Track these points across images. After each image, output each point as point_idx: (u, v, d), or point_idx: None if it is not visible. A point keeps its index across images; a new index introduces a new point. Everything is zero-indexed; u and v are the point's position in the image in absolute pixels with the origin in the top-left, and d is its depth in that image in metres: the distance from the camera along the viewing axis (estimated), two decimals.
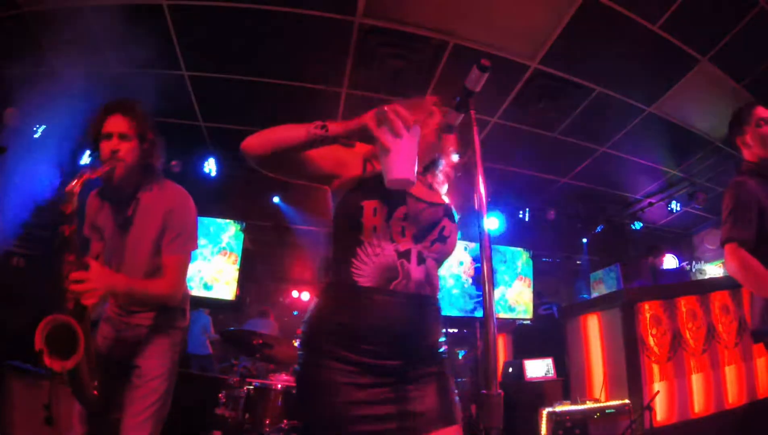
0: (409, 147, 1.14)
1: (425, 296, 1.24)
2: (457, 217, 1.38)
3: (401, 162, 1.13)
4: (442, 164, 1.46)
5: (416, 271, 1.22)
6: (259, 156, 1.24)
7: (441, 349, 1.30)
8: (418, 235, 1.25)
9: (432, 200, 1.34)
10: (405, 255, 1.22)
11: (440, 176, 1.46)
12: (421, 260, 1.23)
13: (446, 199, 1.43)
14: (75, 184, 1.63)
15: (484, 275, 1.03)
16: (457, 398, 1.27)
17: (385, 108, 1.16)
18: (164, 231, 1.82)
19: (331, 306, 1.23)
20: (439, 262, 1.31)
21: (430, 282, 1.26)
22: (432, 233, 1.27)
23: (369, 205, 1.21)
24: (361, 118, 1.17)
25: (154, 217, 1.82)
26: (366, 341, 1.16)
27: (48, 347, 1.48)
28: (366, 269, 1.20)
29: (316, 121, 1.20)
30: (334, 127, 1.19)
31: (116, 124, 1.79)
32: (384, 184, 1.18)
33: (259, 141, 1.24)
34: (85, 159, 5.74)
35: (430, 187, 1.43)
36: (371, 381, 1.16)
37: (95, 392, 1.60)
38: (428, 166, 1.44)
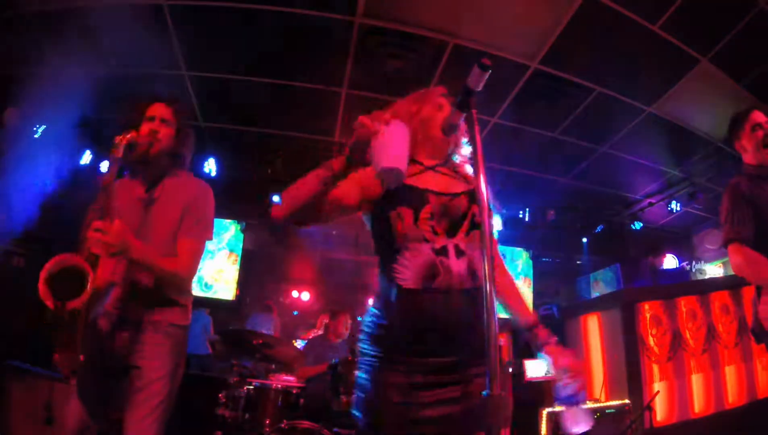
0: (392, 139, 1.14)
1: (469, 290, 1.24)
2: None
3: (384, 153, 1.14)
4: (460, 150, 1.46)
5: (457, 265, 1.24)
6: (290, 217, 1.29)
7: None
8: (450, 230, 1.27)
9: (455, 191, 1.34)
10: (442, 252, 1.25)
11: (462, 163, 1.46)
12: (459, 253, 1.25)
13: (471, 184, 1.41)
14: (122, 138, 1.71)
15: (486, 274, 1.02)
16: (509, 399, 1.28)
17: (359, 118, 1.17)
18: (184, 216, 1.87)
19: (380, 311, 1.28)
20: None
21: (474, 274, 1.26)
22: (464, 224, 1.28)
23: (395, 214, 1.26)
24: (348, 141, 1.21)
25: (177, 202, 1.88)
26: (417, 341, 1.20)
27: (52, 287, 1.50)
28: (407, 272, 1.24)
29: (324, 164, 1.25)
30: (338, 162, 1.24)
31: (160, 109, 1.91)
32: (406, 191, 1.25)
33: (284, 206, 1.28)
34: (85, 158, 5.75)
35: (454, 172, 1.43)
36: (425, 381, 1.20)
37: (81, 357, 1.57)
38: (447, 157, 1.45)
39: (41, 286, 1.48)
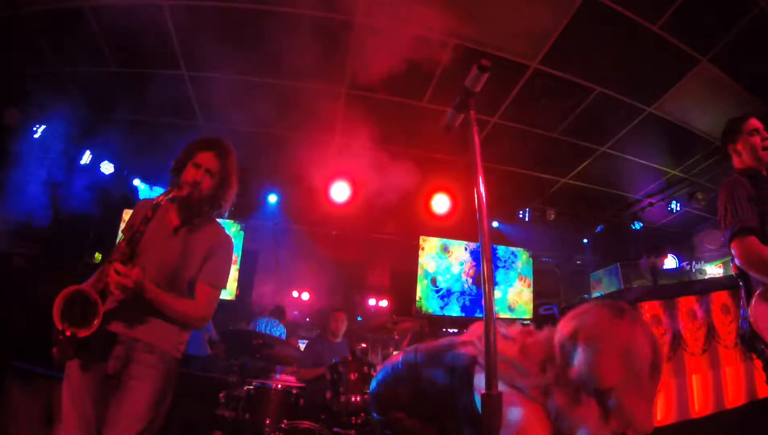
0: None
1: None
2: None
3: None
4: None
5: None
6: None
7: None
8: None
9: None
10: None
11: None
12: None
13: None
14: (164, 195, 1.84)
15: (484, 275, 1.03)
16: None
17: None
18: (207, 260, 1.95)
19: None
20: None
21: None
22: None
23: None
24: None
25: (204, 244, 1.96)
26: None
27: (65, 314, 1.61)
28: None
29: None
30: None
31: (209, 160, 1.99)
32: None
33: None
34: (85, 159, 5.75)
35: None
36: None
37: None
38: None
39: (55, 314, 1.59)
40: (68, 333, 1.58)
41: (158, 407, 1.75)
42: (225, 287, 2.03)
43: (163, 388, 1.78)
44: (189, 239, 1.95)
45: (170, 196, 1.87)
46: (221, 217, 2.11)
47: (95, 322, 1.60)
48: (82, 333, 1.59)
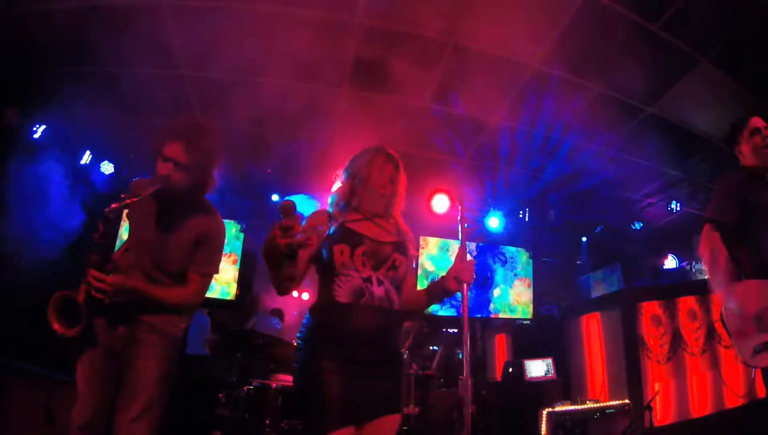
0: None
1: (386, 308, 1.73)
2: (407, 250, 1.86)
3: None
4: (392, 211, 1.92)
5: (377, 291, 1.72)
6: (286, 289, 1.70)
7: (398, 348, 1.78)
8: (375, 266, 1.74)
9: (384, 240, 1.81)
10: (368, 280, 1.72)
11: (391, 220, 1.91)
12: (380, 283, 1.73)
13: (398, 237, 1.87)
14: (114, 208, 1.76)
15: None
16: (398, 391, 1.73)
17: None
18: (198, 248, 1.96)
19: (321, 317, 1.72)
20: (395, 283, 1.79)
21: (389, 298, 1.75)
22: (385, 264, 1.76)
23: (337, 248, 1.72)
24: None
25: (192, 233, 1.96)
26: (347, 341, 1.64)
27: (57, 314, 1.71)
28: (342, 291, 1.69)
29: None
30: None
31: (176, 152, 1.84)
32: (349, 233, 1.74)
33: (275, 286, 1.68)
34: (86, 159, 5.75)
35: (384, 228, 1.86)
36: (351, 371, 1.61)
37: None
38: (381, 214, 1.89)
39: (51, 316, 1.70)
40: (59, 332, 1.68)
41: (164, 383, 1.82)
42: (217, 272, 2.08)
43: (168, 365, 1.85)
44: (175, 231, 1.93)
45: (141, 195, 1.79)
46: (203, 202, 2.03)
47: (78, 327, 1.69)
48: (69, 334, 1.68)
